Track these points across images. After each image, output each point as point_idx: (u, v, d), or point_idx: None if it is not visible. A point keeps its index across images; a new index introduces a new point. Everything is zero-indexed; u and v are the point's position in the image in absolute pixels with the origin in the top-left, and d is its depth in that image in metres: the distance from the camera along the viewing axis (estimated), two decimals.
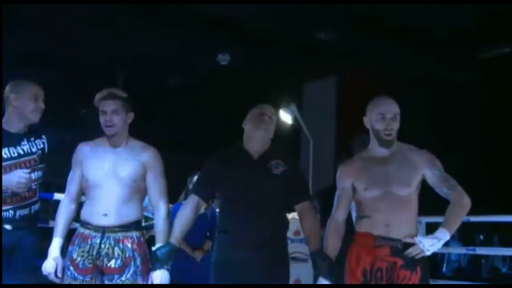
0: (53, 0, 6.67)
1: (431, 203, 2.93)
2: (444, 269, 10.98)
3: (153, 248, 2.60)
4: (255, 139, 2.72)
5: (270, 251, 2.62)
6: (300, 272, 5.00)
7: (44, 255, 2.63)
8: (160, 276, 2.55)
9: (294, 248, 5.01)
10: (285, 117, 7.21)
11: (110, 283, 2.56)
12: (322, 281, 2.53)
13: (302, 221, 2.72)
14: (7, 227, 2.61)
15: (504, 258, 11.07)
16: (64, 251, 2.65)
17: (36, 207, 2.75)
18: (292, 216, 2.85)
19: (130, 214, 2.61)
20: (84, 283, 2.56)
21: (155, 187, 2.66)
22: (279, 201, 2.70)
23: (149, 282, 2.57)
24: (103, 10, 7.13)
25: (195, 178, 4.49)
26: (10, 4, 5.44)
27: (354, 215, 3.04)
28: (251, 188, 2.63)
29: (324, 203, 3.92)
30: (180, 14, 7.33)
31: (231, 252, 2.63)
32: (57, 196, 4.18)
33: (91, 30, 7.86)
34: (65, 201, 2.70)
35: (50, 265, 2.58)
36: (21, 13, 6.73)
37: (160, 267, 2.55)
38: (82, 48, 8.50)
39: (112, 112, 2.59)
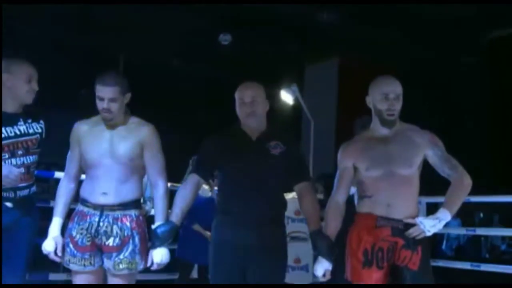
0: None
1: (432, 183, 2.93)
2: (443, 246, 11.06)
3: (153, 226, 2.59)
4: (247, 124, 2.71)
5: (268, 231, 2.61)
6: (300, 251, 5.04)
7: (43, 235, 2.64)
8: (160, 254, 2.55)
9: (295, 227, 5.03)
10: (286, 97, 7.16)
11: (108, 260, 2.57)
12: (322, 261, 2.53)
13: (301, 201, 2.71)
14: (8, 204, 2.62)
15: (503, 236, 11.16)
16: (64, 229, 2.65)
17: (33, 188, 2.75)
18: (292, 195, 2.85)
19: (130, 193, 2.60)
20: (83, 260, 2.57)
21: (153, 164, 2.64)
22: (277, 181, 2.69)
23: (149, 260, 2.57)
24: None
25: None
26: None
27: (356, 197, 3.04)
28: (249, 169, 2.62)
29: (328, 185, 3.93)
30: None
31: (229, 231, 2.62)
32: (57, 174, 4.19)
33: (91, 12, 7.80)
34: (64, 180, 2.70)
35: (50, 244, 2.60)
36: None
37: (160, 245, 2.55)
38: (83, 30, 8.44)
39: (110, 100, 2.55)
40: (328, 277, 2.55)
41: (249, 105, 2.67)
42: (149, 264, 2.58)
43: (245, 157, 2.64)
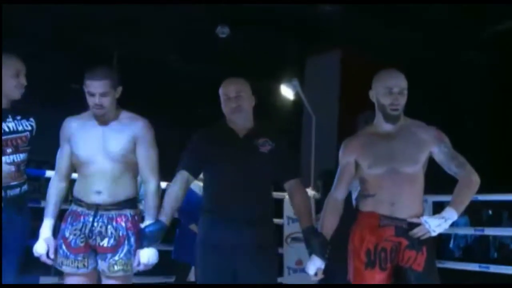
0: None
1: (438, 181, 2.85)
2: (451, 244, 10.95)
3: (142, 225, 2.52)
4: (233, 120, 2.65)
5: (257, 229, 2.55)
6: (302, 252, 4.93)
7: (35, 236, 2.57)
8: (147, 254, 2.47)
9: (296, 228, 4.93)
10: (287, 92, 7.06)
11: (103, 262, 2.50)
12: (314, 259, 2.46)
13: (292, 198, 2.66)
14: None
15: None
16: (56, 230, 2.58)
17: (25, 187, 2.67)
18: None
19: (124, 191, 2.53)
20: (76, 262, 2.50)
21: (146, 160, 2.56)
22: (266, 180, 2.64)
23: (136, 260, 2.49)
24: None
25: None
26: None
27: (354, 196, 2.97)
28: (237, 167, 2.56)
29: (328, 183, 3.87)
30: None
31: (217, 231, 2.55)
32: (48, 173, 4.12)
33: (90, 11, 7.77)
34: (54, 179, 2.63)
35: (42, 246, 2.52)
36: None
37: (148, 246, 2.47)
38: (77, 26, 8.42)
39: (101, 95, 2.48)
40: (320, 276, 2.49)
41: (234, 100, 2.61)
42: (135, 264, 2.49)
43: (232, 155, 2.58)
